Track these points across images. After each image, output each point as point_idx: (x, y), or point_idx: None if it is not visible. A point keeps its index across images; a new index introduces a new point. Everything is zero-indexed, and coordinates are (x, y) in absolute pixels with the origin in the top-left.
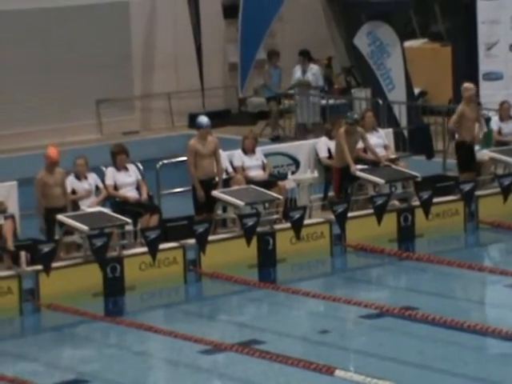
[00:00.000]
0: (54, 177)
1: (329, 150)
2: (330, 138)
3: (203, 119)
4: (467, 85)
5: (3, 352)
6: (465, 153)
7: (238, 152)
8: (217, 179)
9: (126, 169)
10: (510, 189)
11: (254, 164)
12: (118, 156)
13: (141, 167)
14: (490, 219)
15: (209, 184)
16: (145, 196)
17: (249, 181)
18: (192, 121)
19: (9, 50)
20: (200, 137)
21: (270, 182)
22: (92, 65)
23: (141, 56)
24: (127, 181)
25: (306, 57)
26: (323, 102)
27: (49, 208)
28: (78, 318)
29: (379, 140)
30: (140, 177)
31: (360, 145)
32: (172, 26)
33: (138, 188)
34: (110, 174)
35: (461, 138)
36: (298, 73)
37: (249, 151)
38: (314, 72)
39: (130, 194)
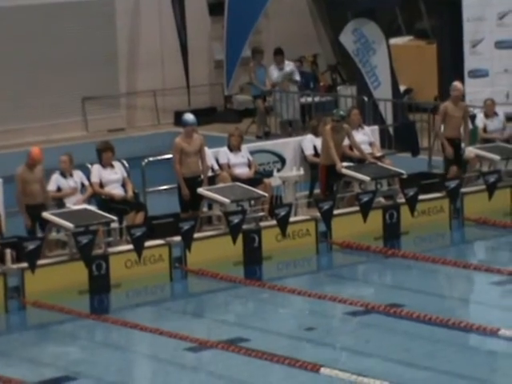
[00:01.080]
0: (34, 173)
1: (314, 148)
2: (316, 135)
3: (189, 117)
4: (456, 84)
5: None
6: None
7: (224, 149)
8: (202, 177)
9: (112, 166)
10: (495, 186)
11: (240, 161)
12: (104, 153)
13: (126, 164)
14: (476, 216)
15: (194, 182)
16: (130, 193)
17: (234, 178)
18: (178, 118)
19: None
20: (185, 135)
21: (256, 180)
22: (78, 62)
23: (126, 53)
24: (113, 178)
25: (280, 55)
26: (302, 100)
27: (29, 205)
28: (64, 315)
29: (365, 137)
30: (126, 174)
31: (346, 142)
32: (157, 23)
33: (124, 185)
34: (96, 171)
35: (445, 135)
36: (274, 72)
37: (234, 149)
38: (290, 69)
39: (116, 191)
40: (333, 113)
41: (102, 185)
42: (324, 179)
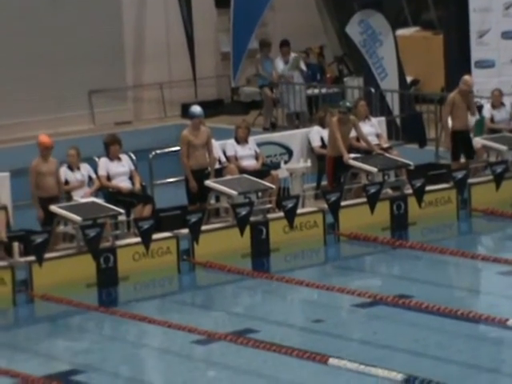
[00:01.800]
0: (48, 166)
1: (321, 139)
2: (323, 126)
3: (196, 109)
4: (467, 78)
5: None
6: (458, 142)
7: (231, 141)
8: (209, 169)
9: (119, 159)
10: (502, 176)
11: (247, 153)
12: (111, 146)
13: (133, 157)
14: (483, 207)
15: (202, 174)
16: (138, 186)
17: (242, 170)
18: (184, 111)
19: (0, 42)
20: (193, 127)
21: (263, 172)
22: (84, 55)
23: (133, 46)
24: (120, 171)
25: (286, 47)
26: (309, 91)
27: (42, 198)
28: (72, 308)
29: (372, 129)
30: (133, 167)
31: (353, 133)
32: (163, 16)
33: (131, 178)
34: (103, 164)
35: (453, 127)
36: (280, 64)
37: (242, 141)
38: (294, 58)
39: (123, 184)
40: (339, 104)
41: (109, 178)
42: (331, 171)
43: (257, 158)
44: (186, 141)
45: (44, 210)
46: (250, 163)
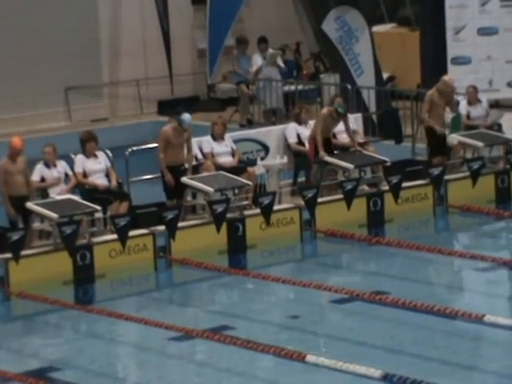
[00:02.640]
0: (17, 165)
1: (298, 136)
2: (299, 123)
3: (187, 118)
4: (448, 79)
5: None
6: (436, 138)
7: (207, 138)
8: (186, 166)
9: (96, 156)
10: (478, 173)
11: (224, 150)
12: (88, 143)
13: (110, 154)
14: (460, 203)
15: (178, 170)
16: (114, 183)
17: (218, 167)
18: (161, 107)
19: None
20: (175, 129)
21: (240, 168)
22: (60, 52)
23: (109, 43)
24: (96, 168)
25: (264, 44)
26: (285, 88)
27: (12, 196)
28: (48, 306)
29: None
30: (109, 164)
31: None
32: (139, 12)
33: (108, 175)
34: (80, 161)
35: (431, 124)
36: (258, 60)
37: (218, 137)
38: (272, 54)
39: (100, 181)
40: (335, 103)
41: (85, 175)
42: (312, 150)
43: (233, 154)
44: (165, 137)
45: (14, 208)
46: (226, 160)
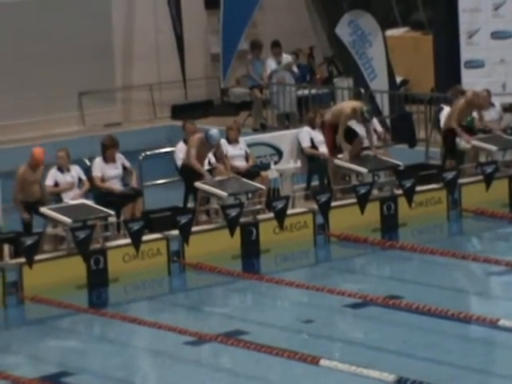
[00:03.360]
0: (35, 175)
1: (311, 140)
2: (313, 127)
3: (214, 134)
4: (485, 95)
5: None
6: (453, 143)
7: (223, 141)
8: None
9: (114, 161)
10: (492, 176)
11: (238, 153)
12: (109, 150)
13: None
14: (473, 207)
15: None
16: (134, 183)
17: (232, 170)
18: (174, 112)
19: None
20: (202, 140)
21: (253, 173)
22: (73, 56)
23: (122, 47)
24: (114, 173)
25: (278, 48)
26: (299, 92)
27: (24, 201)
28: (62, 310)
29: (363, 129)
30: (127, 163)
31: None
32: (153, 17)
33: (123, 179)
34: (98, 165)
35: (449, 126)
36: (272, 64)
37: (233, 141)
38: (289, 60)
39: (116, 187)
40: (362, 105)
41: (103, 179)
42: (331, 138)
43: (247, 158)
44: (197, 144)
45: (27, 211)
46: (240, 164)
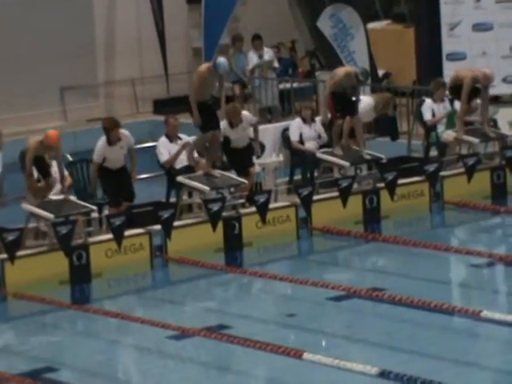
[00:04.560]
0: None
1: (300, 135)
2: (304, 120)
3: (222, 63)
4: (489, 73)
5: None
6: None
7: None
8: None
9: (119, 139)
10: (474, 169)
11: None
12: (112, 131)
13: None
14: (455, 199)
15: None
16: (134, 175)
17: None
18: (157, 107)
19: None
20: (210, 69)
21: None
22: (55, 51)
23: (104, 42)
24: (117, 156)
25: (259, 41)
26: (281, 86)
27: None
28: (45, 306)
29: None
30: (132, 143)
31: None
32: (134, 11)
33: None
34: (100, 150)
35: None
36: (253, 57)
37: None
38: (269, 56)
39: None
40: (355, 68)
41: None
42: (331, 104)
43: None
44: (200, 77)
45: None
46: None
